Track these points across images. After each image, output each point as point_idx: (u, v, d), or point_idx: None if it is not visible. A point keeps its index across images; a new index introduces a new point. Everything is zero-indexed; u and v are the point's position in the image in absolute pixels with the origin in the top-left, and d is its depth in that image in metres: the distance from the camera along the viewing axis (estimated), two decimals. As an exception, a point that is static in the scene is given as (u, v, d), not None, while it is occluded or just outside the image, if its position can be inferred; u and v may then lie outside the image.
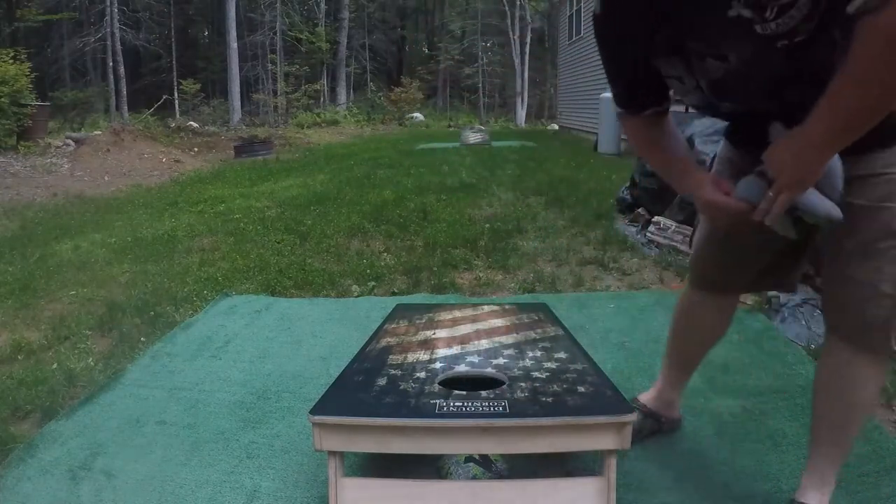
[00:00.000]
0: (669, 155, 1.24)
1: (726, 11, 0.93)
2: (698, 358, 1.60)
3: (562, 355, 1.48)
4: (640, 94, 1.20)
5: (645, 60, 1.13)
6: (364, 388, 1.30)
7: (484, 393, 1.25)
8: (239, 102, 18.18)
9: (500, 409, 1.17)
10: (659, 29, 1.05)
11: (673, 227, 3.56)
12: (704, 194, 1.13)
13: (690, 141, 3.50)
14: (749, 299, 2.61)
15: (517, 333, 1.66)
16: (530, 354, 1.48)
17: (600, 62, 1.18)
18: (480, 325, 1.74)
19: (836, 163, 1.03)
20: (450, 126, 18.84)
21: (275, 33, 21.83)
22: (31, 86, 9.63)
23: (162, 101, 16.72)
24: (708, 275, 1.44)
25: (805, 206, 1.02)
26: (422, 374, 1.36)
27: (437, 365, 1.43)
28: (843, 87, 0.90)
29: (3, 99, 8.67)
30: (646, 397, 1.65)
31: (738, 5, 0.92)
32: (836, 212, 1.02)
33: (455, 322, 1.79)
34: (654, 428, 1.61)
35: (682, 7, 0.99)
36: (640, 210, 4.16)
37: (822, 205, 1.01)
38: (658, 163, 1.32)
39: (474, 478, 1.35)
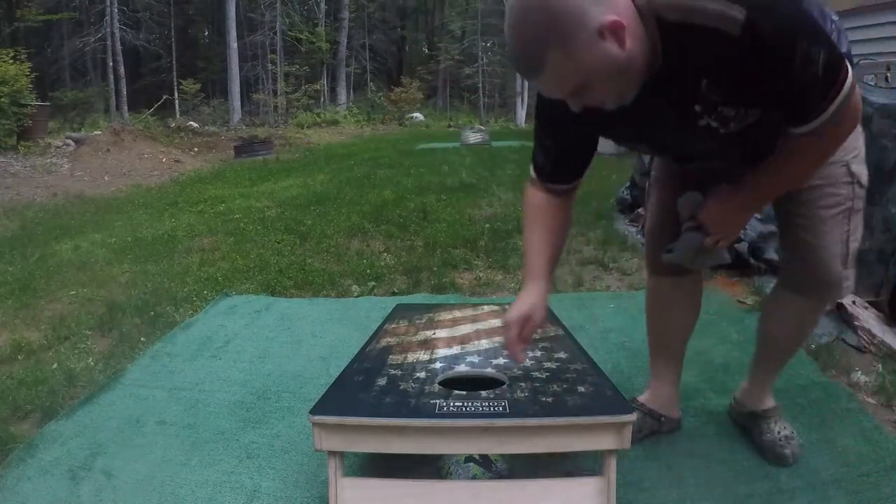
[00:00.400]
0: (542, 245, 1.32)
1: (697, 122, 1.08)
2: (678, 346, 1.62)
3: (562, 355, 1.48)
4: (560, 171, 1.30)
5: (581, 145, 1.27)
6: (364, 388, 1.30)
7: (484, 393, 1.25)
8: (239, 102, 18.16)
9: (500, 409, 1.17)
10: (613, 127, 1.19)
11: (673, 227, 3.55)
12: (512, 310, 1.28)
13: None
14: (749, 299, 2.61)
15: (517, 333, 1.65)
16: (530, 354, 1.48)
17: None
18: (480, 325, 1.74)
19: None
20: (450, 126, 18.80)
21: (275, 33, 21.79)
22: (31, 86, 9.61)
23: (162, 101, 16.69)
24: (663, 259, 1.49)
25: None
26: (422, 374, 1.36)
27: (437, 365, 1.43)
28: (778, 177, 1.16)
29: (3, 99, 8.65)
30: (645, 397, 1.65)
31: (707, 118, 1.07)
32: None
33: (455, 322, 1.79)
34: (654, 428, 1.61)
35: (652, 123, 1.12)
36: (640, 210, 4.16)
37: None
38: (530, 240, 1.34)
39: (474, 478, 1.35)
